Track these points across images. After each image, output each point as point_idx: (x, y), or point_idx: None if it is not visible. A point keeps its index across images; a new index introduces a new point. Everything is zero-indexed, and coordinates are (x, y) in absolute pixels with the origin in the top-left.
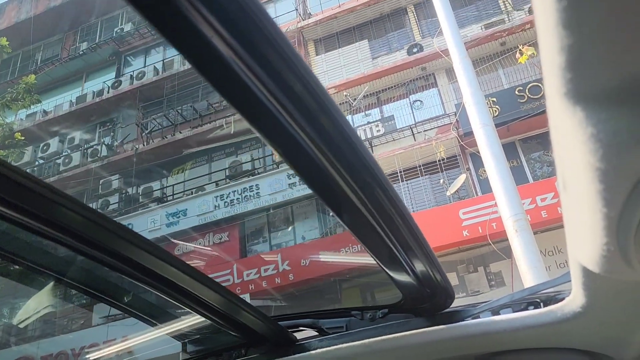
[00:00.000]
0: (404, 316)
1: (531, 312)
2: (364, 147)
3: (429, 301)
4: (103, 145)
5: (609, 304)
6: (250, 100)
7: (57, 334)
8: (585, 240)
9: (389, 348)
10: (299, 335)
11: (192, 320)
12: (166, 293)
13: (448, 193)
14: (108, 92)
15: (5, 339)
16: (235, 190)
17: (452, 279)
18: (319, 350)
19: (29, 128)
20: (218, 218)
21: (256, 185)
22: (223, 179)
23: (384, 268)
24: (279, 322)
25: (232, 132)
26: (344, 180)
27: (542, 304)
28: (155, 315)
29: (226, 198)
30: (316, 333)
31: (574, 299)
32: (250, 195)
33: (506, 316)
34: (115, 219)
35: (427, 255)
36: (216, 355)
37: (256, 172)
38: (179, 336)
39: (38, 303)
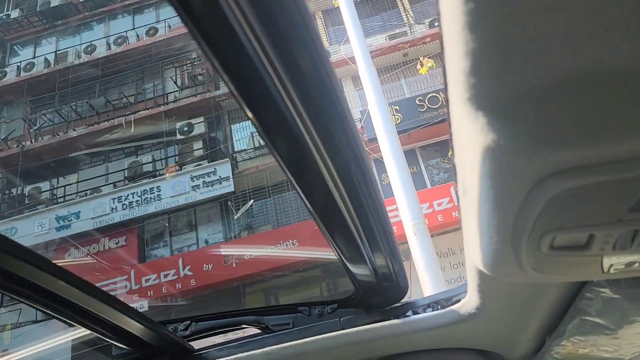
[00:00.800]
0: (354, 311)
1: (429, 314)
2: (350, 119)
3: (383, 294)
4: None
5: (501, 305)
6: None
7: None
8: (481, 245)
9: (338, 344)
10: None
11: (78, 332)
12: (44, 305)
13: None
14: None
15: None
16: (134, 192)
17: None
18: None
19: None
20: (115, 221)
21: (157, 187)
22: (121, 180)
23: (343, 259)
24: (183, 328)
25: (132, 132)
26: (319, 153)
27: (439, 306)
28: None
29: (124, 200)
30: (259, 331)
31: (470, 301)
32: (150, 198)
33: (406, 319)
34: None
35: (391, 244)
36: None
37: (158, 174)
38: (70, 349)
39: None
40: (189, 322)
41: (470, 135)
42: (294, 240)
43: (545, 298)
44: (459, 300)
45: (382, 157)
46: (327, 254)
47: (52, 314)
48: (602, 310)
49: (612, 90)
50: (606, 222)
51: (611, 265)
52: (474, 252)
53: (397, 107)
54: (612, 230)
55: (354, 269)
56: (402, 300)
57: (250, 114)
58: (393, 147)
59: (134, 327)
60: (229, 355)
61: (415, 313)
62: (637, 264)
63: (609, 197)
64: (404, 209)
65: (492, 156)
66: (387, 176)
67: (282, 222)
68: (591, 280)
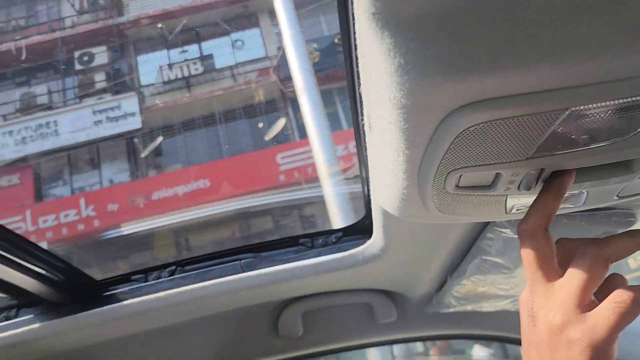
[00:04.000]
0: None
1: (334, 256)
2: None
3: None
4: None
5: (405, 245)
6: None
7: None
8: (386, 184)
9: (236, 288)
10: None
11: None
12: None
13: (267, 137)
14: None
15: None
16: (28, 127)
17: (267, 222)
18: (135, 300)
19: None
20: (6, 157)
21: (54, 121)
22: (12, 113)
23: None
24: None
25: (23, 58)
26: None
27: (344, 247)
28: None
29: (16, 135)
30: None
31: (374, 242)
32: (47, 133)
33: (309, 261)
34: None
35: None
36: None
37: (54, 107)
38: None
39: None
40: (173, 267)
41: (375, 59)
42: (205, 180)
43: (448, 238)
44: (364, 242)
45: (296, 97)
46: (240, 197)
47: None
48: (502, 250)
49: (528, 12)
50: (514, 160)
51: (513, 206)
52: (379, 192)
53: (315, 45)
54: (519, 169)
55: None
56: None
57: None
58: (308, 85)
59: (7, 273)
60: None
61: (317, 255)
62: None
63: (519, 134)
64: (318, 150)
65: (399, 85)
66: (302, 116)
67: (194, 161)
68: (494, 220)
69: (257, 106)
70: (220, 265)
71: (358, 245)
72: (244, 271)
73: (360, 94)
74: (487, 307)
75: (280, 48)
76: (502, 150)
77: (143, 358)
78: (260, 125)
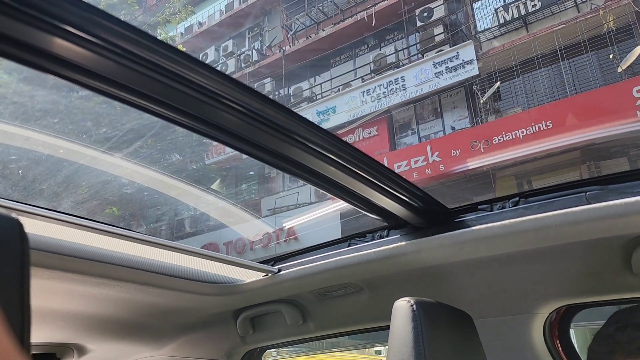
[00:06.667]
0: None
1: None
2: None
3: None
4: (253, 50)
5: None
6: None
7: (234, 224)
8: None
9: (581, 219)
10: None
11: (343, 203)
12: (317, 184)
13: (619, 69)
14: None
15: (193, 228)
16: (380, 84)
17: (624, 165)
18: (481, 226)
19: (189, 40)
20: (366, 113)
21: (401, 77)
22: (368, 74)
23: None
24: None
25: (373, 25)
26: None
27: None
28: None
29: (372, 93)
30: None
31: None
32: (396, 88)
33: None
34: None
35: None
36: (359, 236)
37: (401, 64)
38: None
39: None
40: (517, 198)
41: None
42: (547, 122)
43: None
44: None
45: None
46: (589, 134)
47: (325, 191)
48: None
49: None
50: None
51: None
52: None
53: None
54: None
55: None
56: None
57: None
58: None
59: (383, 200)
60: (496, 221)
61: None
62: None
63: None
64: None
65: None
66: None
67: (533, 102)
68: None
69: (606, 35)
70: (564, 197)
71: None
72: (589, 203)
73: None
74: None
75: None
76: None
77: (490, 280)
78: (611, 56)
